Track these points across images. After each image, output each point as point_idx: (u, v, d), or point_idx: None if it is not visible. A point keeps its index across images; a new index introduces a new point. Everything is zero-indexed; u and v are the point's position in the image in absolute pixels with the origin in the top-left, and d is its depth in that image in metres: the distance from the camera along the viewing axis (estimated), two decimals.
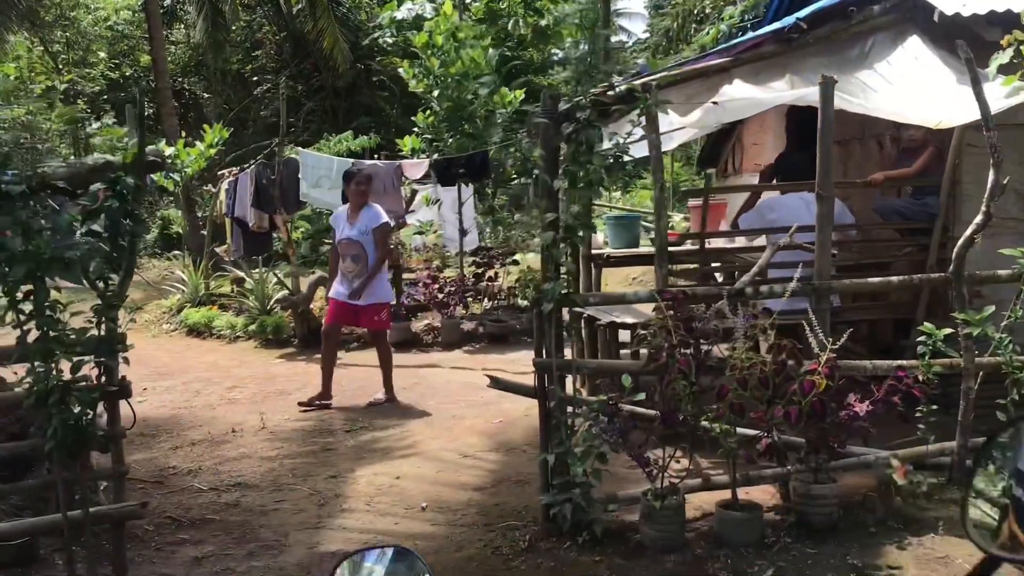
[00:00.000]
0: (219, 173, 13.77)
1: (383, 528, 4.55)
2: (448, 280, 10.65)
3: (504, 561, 4.03)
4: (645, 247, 7.73)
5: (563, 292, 4.20)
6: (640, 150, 4.85)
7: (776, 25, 6.01)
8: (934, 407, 4.37)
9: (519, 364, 8.22)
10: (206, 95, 26.90)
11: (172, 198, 17.99)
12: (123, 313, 3.96)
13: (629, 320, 6.41)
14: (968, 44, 4.18)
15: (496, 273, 10.74)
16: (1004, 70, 4.49)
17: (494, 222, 15.09)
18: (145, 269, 16.55)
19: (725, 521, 4.12)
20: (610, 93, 4.90)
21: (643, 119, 4.50)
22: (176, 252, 17.57)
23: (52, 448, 3.68)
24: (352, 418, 6.85)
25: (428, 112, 11.31)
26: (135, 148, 3.89)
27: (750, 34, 6.87)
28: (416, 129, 11.67)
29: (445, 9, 11.35)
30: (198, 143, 12.50)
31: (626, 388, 4.14)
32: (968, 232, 4.30)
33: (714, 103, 5.21)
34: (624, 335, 6.80)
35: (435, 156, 10.63)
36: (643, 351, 6.12)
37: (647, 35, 27.44)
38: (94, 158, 3.98)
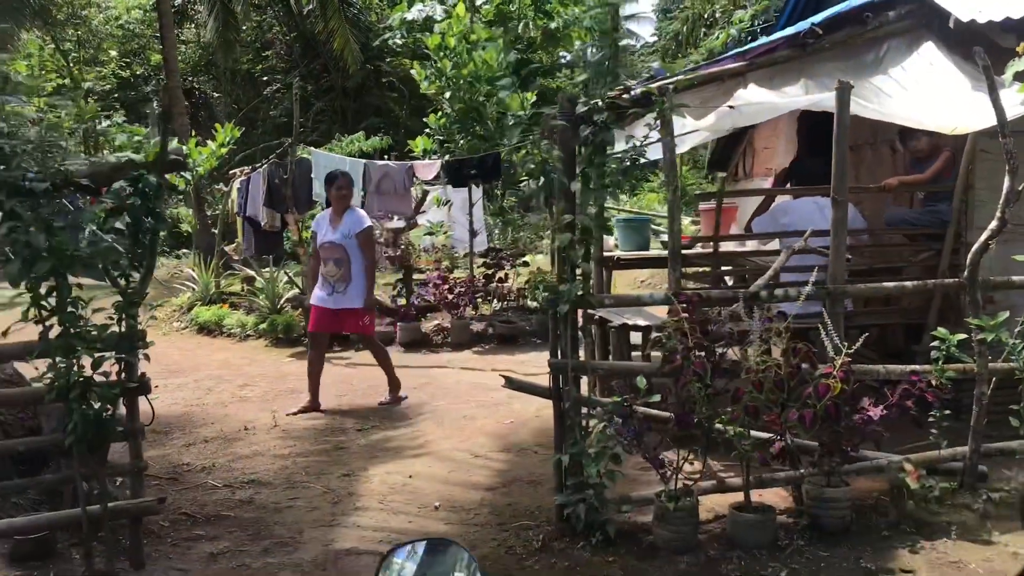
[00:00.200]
0: (230, 172, 13.83)
1: (397, 527, 4.57)
2: (458, 281, 10.68)
3: (518, 560, 4.06)
4: (655, 250, 7.75)
5: (579, 293, 4.23)
6: (650, 153, 4.86)
7: (790, 30, 6.03)
8: (947, 412, 4.38)
9: (529, 365, 8.27)
10: (216, 94, 26.98)
11: (181, 196, 18.07)
12: (142, 310, 4.00)
13: (641, 322, 6.43)
14: (984, 51, 4.20)
15: (506, 274, 10.77)
16: (1020, 77, 4.49)
17: (504, 223, 15.13)
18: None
19: (738, 523, 4.14)
20: (625, 96, 4.92)
21: (659, 122, 4.52)
22: (185, 250, 17.65)
23: (72, 443, 3.72)
24: (363, 417, 6.88)
25: (440, 114, 11.34)
26: (157, 147, 3.93)
27: (763, 39, 6.88)
28: (427, 130, 11.70)
29: (458, 11, 11.39)
30: (210, 142, 12.57)
31: (640, 390, 4.16)
32: (983, 238, 4.32)
33: (730, 107, 5.23)
34: (635, 337, 6.83)
35: (447, 157, 10.66)
36: (655, 353, 6.16)
37: (655, 38, 27.49)
38: (117, 156, 4.01)
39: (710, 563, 3.94)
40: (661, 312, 6.74)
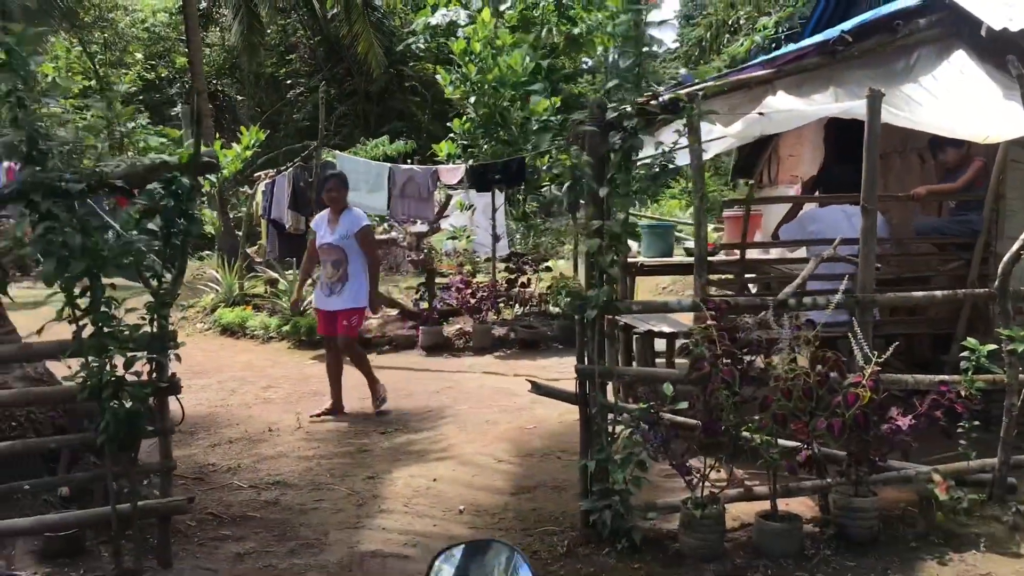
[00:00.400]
0: (255, 175, 13.93)
1: (422, 529, 4.58)
2: (480, 285, 10.70)
3: (543, 566, 4.05)
4: (679, 257, 7.73)
5: (607, 299, 4.22)
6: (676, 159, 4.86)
7: (819, 37, 6.02)
8: (976, 423, 4.35)
9: (551, 370, 8.27)
10: (240, 97, 27.18)
11: (204, 198, 18.21)
12: (173, 310, 4.04)
13: (666, 329, 6.41)
14: (1017, 59, 4.17)
15: (528, 279, 10.78)
16: None
17: (526, 228, 15.14)
18: None
19: (764, 532, 4.12)
20: (653, 102, 4.92)
21: (687, 128, 4.52)
22: (207, 252, 17.77)
23: (104, 441, 3.76)
24: (386, 420, 6.90)
25: (464, 118, 11.39)
26: (190, 149, 3.97)
27: (791, 46, 6.86)
28: (451, 135, 11.75)
29: (483, 17, 11.43)
30: (234, 145, 12.66)
31: (667, 396, 4.16)
32: (1015, 247, 4.29)
33: (760, 114, 5.22)
34: (659, 344, 6.81)
35: (471, 162, 10.69)
36: (679, 360, 6.15)
37: (677, 45, 27.45)
38: (150, 158, 4.05)
39: (736, 571, 3.93)
40: (685, 319, 6.75)
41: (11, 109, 3.60)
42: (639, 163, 4.40)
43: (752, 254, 6.70)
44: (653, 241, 7.65)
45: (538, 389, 4.68)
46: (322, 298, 7.08)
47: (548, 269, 11.28)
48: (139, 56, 26.59)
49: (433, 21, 16.56)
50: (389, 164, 10.99)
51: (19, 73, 3.56)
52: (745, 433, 4.09)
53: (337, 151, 12.54)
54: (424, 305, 10.52)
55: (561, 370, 8.21)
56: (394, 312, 11.20)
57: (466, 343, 10.13)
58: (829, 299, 4.40)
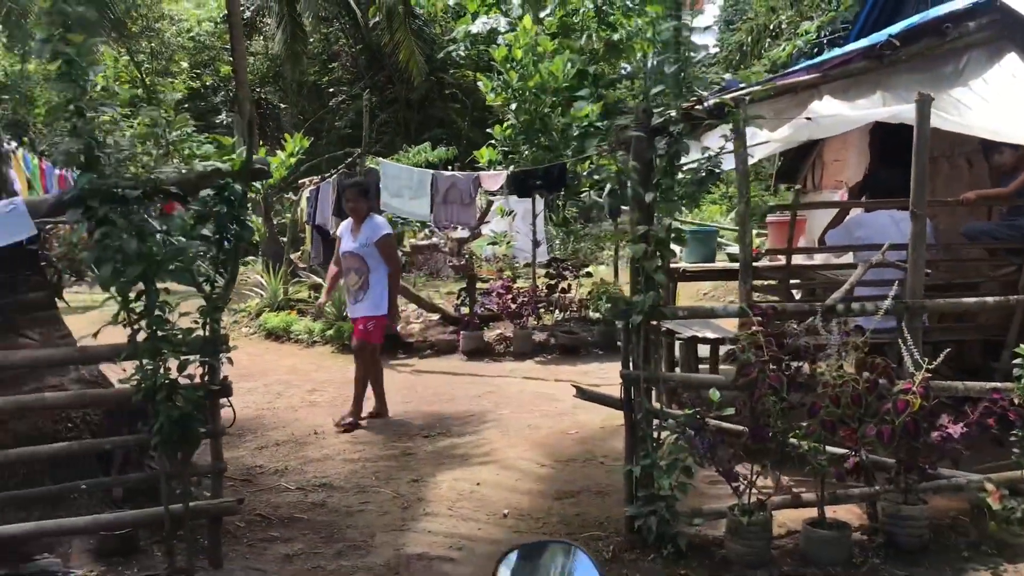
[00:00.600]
0: (300, 182, 14.10)
1: (466, 533, 4.61)
2: (521, 291, 10.72)
3: None
4: (721, 262, 7.69)
5: (652, 304, 4.22)
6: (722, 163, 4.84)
7: (865, 42, 5.96)
8: None
9: (592, 376, 8.28)
10: (283, 105, 27.51)
11: (249, 205, 18.43)
12: (225, 315, 4.11)
13: (710, 335, 6.39)
14: None
15: (569, 285, 10.78)
16: None
17: (566, 233, 15.12)
18: None
19: (812, 539, 4.09)
20: (699, 107, 4.91)
21: (733, 133, 4.51)
22: (251, 257, 18.01)
23: (158, 443, 3.84)
24: (429, 424, 6.95)
25: (505, 125, 11.43)
26: (243, 156, 4.04)
27: (836, 50, 6.80)
28: (492, 141, 11.79)
29: (524, 24, 11.46)
30: (279, 152, 12.83)
31: (713, 402, 4.15)
32: None
33: (807, 119, 5.19)
34: (702, 350, 6.79)
35: (512, 168, 10.72)
36: (723, 366, 6.11)
37: (716, 49, 27.30)
38: (204, 164, 4.14)
39: None
40: (728, 325, 6.71)
41: (70, 118, 3.70)
42: (685, 168, 4.40)
43: (797, 259, 6.65)
44: (695, 246, 7.60)
45: (583, 394, 4.69)
46: (350, 305, 7.15)
47: (588, 275, 11.27)
48: (184, 65, 27.03)
49: (474, 29, 16.64)
50: (431, 171, 11.04)
51: (78, 84, 3.66)
52: (792, 439, 4.07)
53: (380, 158, 12.63)
54: (465, 310, 10.57)
55: (602, 375, 8.21)
56: (436, 317, 11.27)
57: (507, 348, 10.16)
58: (878, 305, 4.36)
